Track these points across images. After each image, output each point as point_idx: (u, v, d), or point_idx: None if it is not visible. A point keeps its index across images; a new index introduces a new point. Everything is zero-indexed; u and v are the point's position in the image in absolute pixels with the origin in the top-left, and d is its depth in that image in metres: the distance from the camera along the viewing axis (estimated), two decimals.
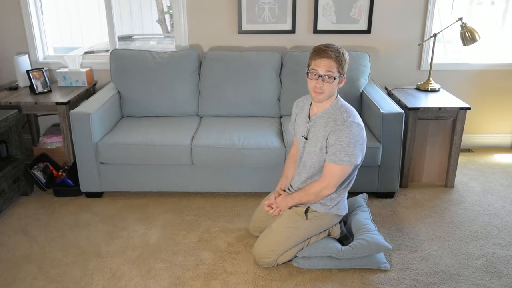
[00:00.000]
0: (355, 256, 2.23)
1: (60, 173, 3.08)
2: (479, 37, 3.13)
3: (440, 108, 2.97)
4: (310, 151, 2.17)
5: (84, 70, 3.46)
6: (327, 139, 2.07)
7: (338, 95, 2.14)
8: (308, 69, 2.06)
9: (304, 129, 2.22)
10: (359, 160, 2.08)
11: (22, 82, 3.40)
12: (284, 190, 2.38)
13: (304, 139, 2.21)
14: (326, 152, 2.09)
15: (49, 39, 3.70)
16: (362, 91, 3.24)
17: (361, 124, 2.07)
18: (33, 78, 3.24)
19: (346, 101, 3.16)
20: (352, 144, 2.02)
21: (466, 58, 3.68)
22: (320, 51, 2.00)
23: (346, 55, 2.04)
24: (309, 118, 2.20)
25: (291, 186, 2.35)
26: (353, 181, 2.25)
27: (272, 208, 2.29)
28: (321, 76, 2.00)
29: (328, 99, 2.10)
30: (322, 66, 1.99)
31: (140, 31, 5.73)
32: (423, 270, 2.26)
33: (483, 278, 2.19)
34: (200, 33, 3.54)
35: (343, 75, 2.05)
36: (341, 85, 2.08)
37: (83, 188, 2.96)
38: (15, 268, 2.29)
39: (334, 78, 2.00)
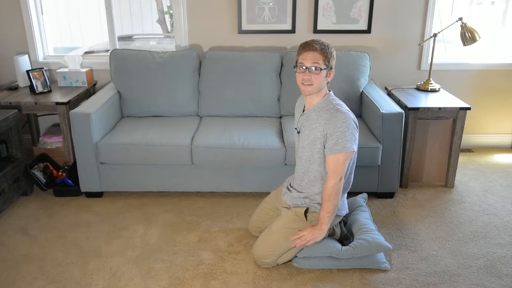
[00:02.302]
0: (355, 256, 2.23)
1: (60, 173, 3.07)
2: (479, 37, 3.13)
3: (440, 108, 2.97)
4: (304, 145, 2.18)
5: (84, 70, 3.46)
6: (325, 132, 2.07)
7: (331, 92, 2.16)
8: (295, 65, 2.12)
9: (297, 122, 2.25)
10: (356, 147, 2.09)
11: (22, 82, 3.40)
12: (289, 189, 2.36)
13: (297, 133, 2.24)
14: (325, 147, 2.09)
15: (49, 39, 3.70)
16: (362, 91, 3.24)
17: (353, 114, 2.11)
18: (33, 78, 3.24)
19: (346, 101, 3.18)
20: (350, 130, 2.04)
21: (466, 58, 3.68)
22: (305, 45, 2.08)
23: (333, 50, 2.09)
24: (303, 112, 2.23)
25: (290, 185, 2.35)
26: (351, 183, 2.26)
27: (302, 238, 2.16)
28: (308, 68, 2.05)
29: (318, 92, 2.12)
30: (308, 58, 2.05)
31: (140, 31, 5.72)
32: (423, 270, 2.26)
33: (483, 278, 2.19)
34: (200, 33, 3.54)
35: (331, 68, 2.09)
36: (329, 79, 2.11)
37: (83, 188, 2.96)
38: (15, 268, 2.29)
39: (321, 69, 2.04)
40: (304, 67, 2.06)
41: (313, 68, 2.04)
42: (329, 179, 2.10)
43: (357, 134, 2.11)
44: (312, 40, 2.08)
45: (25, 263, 2.33)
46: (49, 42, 3.71)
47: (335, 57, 2.11)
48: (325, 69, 2.06)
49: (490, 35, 3.68)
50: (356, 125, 2.10)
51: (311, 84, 2.07)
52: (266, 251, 2.22)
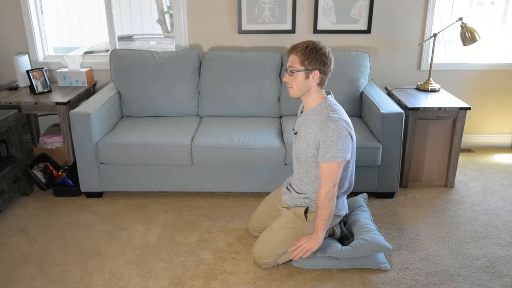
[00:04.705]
0: (355, 256, 2.23)
1: (60, 173, 3.07)
2: (479, 37, 3.13)
3: (440, 108, 2.97)
4: (301, 147, 2.18)
5: (84, 70, 3.46)
6: (317, 139, 2.07)
7: (329, 97, 2.14)
8: None
9: (295, 123, 2.26)
10: (349, 154, 2.07)
11: (22, 82, 3.40)
12: (288, 189, 2.36)
13: (294, 134, 2.24)
14: (318, 153, 2.09)
15: (49, 39, 3.70)
16: (362, 91, 3.24)
17: (348, 121, 2.08)
18: (33, 78, 3.24)
19: (346, 101, 3.19)
20: (341, 139, 2.02)
21: (466, 58, 3.68)
22: (288, 50, 2.11)
23: (317, 51, 2.03)
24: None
25: (290, 185, 2.35)
26: (353, 185, 2.26)
27: (299, 249, 2.13)
28: (286, 71, 2.11)
29: (310, 95, 2.11)
30: (288, 62, 2.10)
31: (140, 31, 5.73)
32: (423, 270, 2.26)
33: (483, 278, 2.19)
34: (200, 33, 3.54)
35: (311, 69, 2.04)
36: (314, 81, 2.07)
37: (83, 188, 2.96)
38: (15, 268, 2.29)
39: (294, 71, 2.05)
40: (285, 70, 2.12)
41: (289, 71, 2.08)
42: (322, 186, 2.09)
43: (350, 142, 2.07)
44: (296, 43, 2.09)
45: (25, 263, 2.33)
46: (49, 42, 3.71)
47: (320, 57, 2.03)
48: (301, 70, 2.04)
49: (490, 35, 3.68)
50: (350, 133, 2.07)
51: (291, 87, 2.10)
52: (266, 251, 2.22)
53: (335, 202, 2.12)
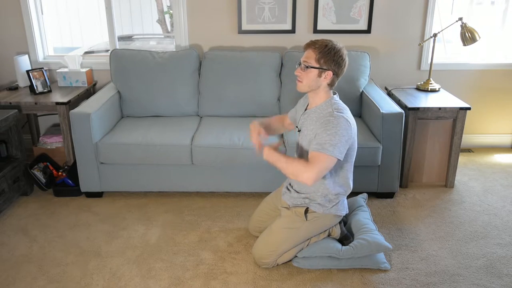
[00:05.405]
0: (355, 256, 2.23)
1: (60, 173, 3.07)
2: (479, 37, 3.13)
3: (440, 108, 2.97)
4: (303, 144, 2.17)
5: (84, 70, 3.46)
6: (315, 132, 2.05)
7: (335, 96, 2.13)
8: None
9: (299, 121, 2.25)
10: (342, 156, 2.01)
11: (22, 82, 3.40)
12: (288, 189, 2.35)
13: (298, 131, 2.23)
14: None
15: (49, 39, 3.70)
16: (362, 91, 3.25)
17: (350, 121, 2.05)
18: (33, 78, 3.24)
19: (346, 101, 3.19)
20: (337, 136, 1.97)
21: (466, 58, 3.68)
22: (307, 43, 2.09)
23: (336, 52, 2.02)
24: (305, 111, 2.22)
25: (290, 185, 2.34)
26: (351, 188, 2.24)
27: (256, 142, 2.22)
28: (300, 64, 2.09)
29: (318, 93, 2.10)
30: (304, 56, 2.08)
31: (140, 31, 5.74)
32: (423, 270, 2.26)
33: (483, 278, 2.19)
34: (200, 33, 3.54)
35: (326, 69, 2.02)
36: (326, 81, 2.05)
37: (83, 188, 2.96)
38: (15, 268, 2.29)
39: (309, 67, 2.03)
40: (298, 63, 2.10)
41: (304, 66, 2.06)
42: (305, 165, 1.98)
43: (347, 143, 2.02)
44: (316, 39, 2.07)
45: (25, 263, 2.33)
46: (49, 42, 3.71)
47: (335, 58, 2.02)
48: (315, 67, 2.03)
49: (490, 35, 3.68)
50: (349, 135, 2.02)
51: (301, 81, 2.09)
52: (266, 251, 2.22)
53: (291, 177, 2.04)
